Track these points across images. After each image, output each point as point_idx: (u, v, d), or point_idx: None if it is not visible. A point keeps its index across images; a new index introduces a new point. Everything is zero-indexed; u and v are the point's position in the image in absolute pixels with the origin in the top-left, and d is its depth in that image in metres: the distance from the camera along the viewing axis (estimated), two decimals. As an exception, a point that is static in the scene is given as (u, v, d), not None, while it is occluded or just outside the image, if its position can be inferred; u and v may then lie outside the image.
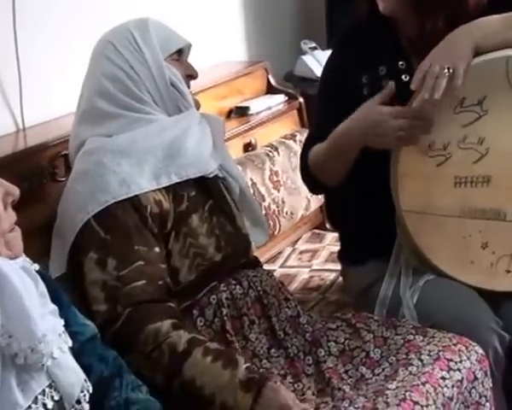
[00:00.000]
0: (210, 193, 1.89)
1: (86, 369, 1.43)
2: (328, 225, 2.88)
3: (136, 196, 1.75)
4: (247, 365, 1.62)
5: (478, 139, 1.86)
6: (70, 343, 1.35)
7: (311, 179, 2.09)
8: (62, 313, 1.38)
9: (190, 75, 1.95)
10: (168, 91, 1.87)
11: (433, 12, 1.92)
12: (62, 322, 1.34)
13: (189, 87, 1.95)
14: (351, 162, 1.96)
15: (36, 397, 1.26)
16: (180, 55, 1.93)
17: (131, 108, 1.84)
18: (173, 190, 1.81)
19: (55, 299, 1.38)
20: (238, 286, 1.84)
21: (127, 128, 1.83)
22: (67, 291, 1.66)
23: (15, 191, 1.29)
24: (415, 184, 1.92)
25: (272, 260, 2.65)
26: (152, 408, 1.48)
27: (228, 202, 1.94)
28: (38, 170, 2.03)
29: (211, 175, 1.89)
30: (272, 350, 1.81)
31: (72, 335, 1.41)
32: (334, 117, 1.98)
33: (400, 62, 2.00)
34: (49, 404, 1.27)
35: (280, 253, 2.71)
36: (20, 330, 1.22)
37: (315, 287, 2.45)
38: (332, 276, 2.48)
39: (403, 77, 1.97)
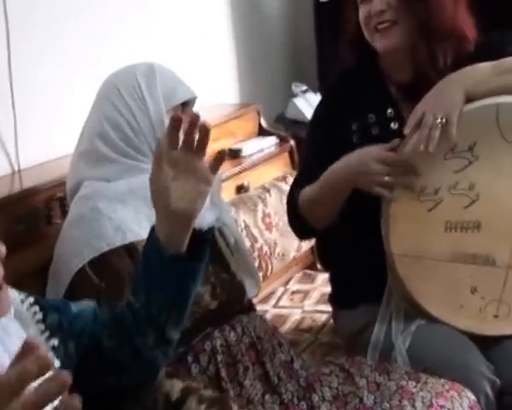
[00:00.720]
0: None
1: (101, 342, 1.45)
2: (319, 266, 2.90)
3: (131, 242, 1.76)
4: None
5: (469, 185, 1.89)
6: (58, 364, 1.32)
7: (300, 223, 2.09)
8: (67, 320, 1.41)
9: None
10: None
11: (443, 38, 1.95)
12: (57, 364, 1.33)
13: None
14: (340, 204, 1.98)
15: None
16: (185, 106, 1.92)
17: (129, 155, 1.85)
18: None
19: (57, 312, 1.40)
20: (232, 332, 1.85)
21: (124, 175, 1.84)
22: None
23: (1, 248, 1.28)
24: (406, 228, 1.94)
25: (265, 300, 2.67)
26: None
27: (223, 250, 1.95)
28: (34, 212, 2.04)
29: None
30: (267, 396, 1.81)
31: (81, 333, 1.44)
32: (322, 162, 2.00)
33: (389, 110, 2.03)
34: None
35: (272, 293, 2.73)
36: None
37: (307, 328, 2.46)
38: (323, 317, 2.49)
39: (391, 124, 2.00)
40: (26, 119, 2.28)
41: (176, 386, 1.65)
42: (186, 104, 1.92)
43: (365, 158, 1.90)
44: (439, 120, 1.80)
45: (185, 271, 1.44)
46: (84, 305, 1.51)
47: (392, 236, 1.95)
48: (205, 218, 1.88)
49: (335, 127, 2.06)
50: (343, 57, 2.15)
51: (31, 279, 1.88)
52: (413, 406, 1.77)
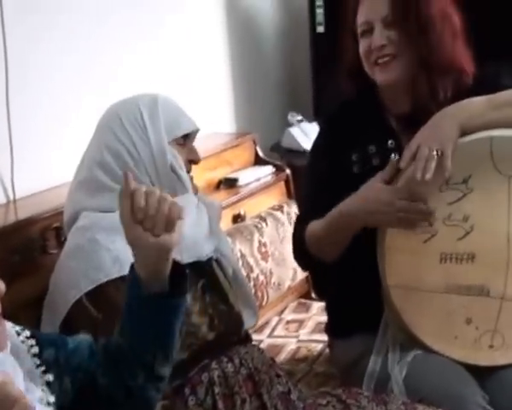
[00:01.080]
0: (203, 273, 1.91)
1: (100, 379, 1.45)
2: (313, 295, 2.90)
3: None
4: None
5: (463, 217, 1.89)
6: (52, 399, 1.33)
7: (307, 259, 2.09)
8: (64, 355, 1.41)
9: (192, 160, 1.96)
10: (167, 174, 1.87)
11: (443, 72, 1.97)
12: (52, 400, 1.34)
13: (189, 171, 1.95)
14: (349, 240, 1.98)
15: None
16: (186, 138, 1.94)
17: None
18: None
19: (54, 347, 1.40)
20: (230, 364, 1.85)
21: None
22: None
23: (1, 286, 1.28)
24: (401, 260, 1.94)
25: (260, 329, 2.67)
26: None
27: (220, 281, 1.95)
28: (29, 243, 2.04)
29: (204, 258, 1.91)
30: (263, 428, 1.81)
31: (78, 367, 1.44)
32: (325, 194, 2.01)
33: (390, 141, 2.04)
34: None
35: (267, 323, 2.73)
36: None
37: (302, 358, 2.47)
38: (319, 347, 2.50)
39: (392, 156, 2.01)
40: (23, 147, 2.29)
41: None
42: (187, 136, 1.94)
43: (385, 195, 1.87)
44: (434, 153, 1.82)
45: (166, 307, 1.42)
46: (81, 339, 1.51)
47: (387, 268, 1.96)
48: (203, 248, 1.90)
49: (336, 158, 2.07)
50: (342, 88, 2.17)
51: (26, 310, 1.88)
52: (410, 438, 1.76)
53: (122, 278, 1.73)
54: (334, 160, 2.07)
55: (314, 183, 2.14)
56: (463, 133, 1.87)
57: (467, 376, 1.95)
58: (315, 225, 2.03)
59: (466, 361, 1.97)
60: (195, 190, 1.98)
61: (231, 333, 1.92)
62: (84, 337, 1.52)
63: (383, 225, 1.92)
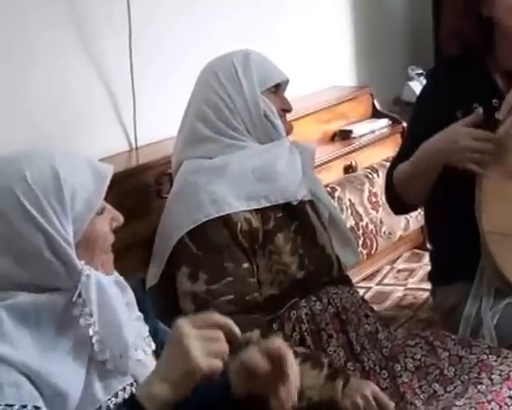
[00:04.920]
0: (296, 215, 2.00)
1: None
2: (428, 246, 2.93)
3: (227, 214, 1.89)
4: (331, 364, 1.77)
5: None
6: (153, 347, 1.45)
7: (395, 198, 2.15)
8: (149, 324, 1.50)
9: (285, 109, 2.07)
10: (261, 122, 2.00)
11: None
12: (147, 327, 1.46)
13: (284, 119, 2.06)
14: (432, 180, 2.03)
15: (116, 393, 1.37)
16: (277, 88, 2.05)
17: (226, 134, 1.98)
18: (261, 210, 1.95)
19: (141, 311, 1.50)
20: (318, 303, 1.94)
21: (221, 152, 1.97)
22: (159, 301, 1.85)
23: (120, 218, 1.41)
24: (498, 206, 1.97)
25: (370, 277, 2.74)
26: None
27: (313, 223, 2.04)
28: (145, 187, 2.21)
29: (296, 202, 2.00)
30: (349, 364, 1.89)
31: (160, 345, 1.52)
32: (421, 142, 2.05)
33: (494, 100, 2.04)
34: None
35: (378, 271, 2.79)
36: (114, 339, 1.33)
37: (407, 305, 2.52)
38: (425, 295, 2.53)
39: (496, 114, 2.01)
40: (145, 100, 2.45)
41: None
42: (278, 87, 2.05)
43: (457, 135, 1.94)
44: None
45: None
46: None
47: (483, 213, 1.98)
48: (295, 191, 2.00)
49: (439, 111, 2.09)
50: (444, 45, 2.19)
51: (139, 249, 2.06)
52: (490, 378, 1.80)
53: (221, 218, 1.88)
54: (438, 112, 2.09)
55: (414, 132, 2.18)
56: None
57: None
58: (401, 167, 2.09)
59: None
60: (289, 130, 2.09)
61: (322, 273, 2.01)
62: None
63: (456, 163, 1.94)
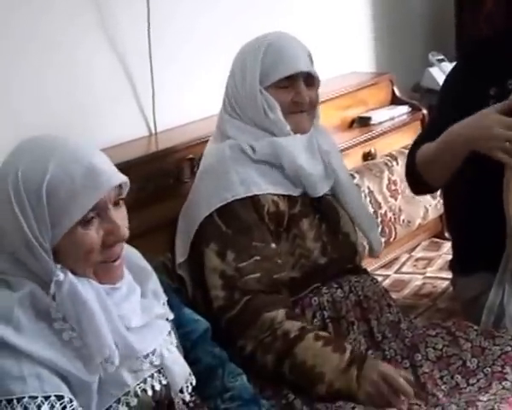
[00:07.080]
0: (320, 206, 2.01)
1: (196, 361, 1.61)
2: (447, 235, 2.91)
3: (255, 195, 1.90)
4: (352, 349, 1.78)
5: None
6: (175, 342, 1.51)
7: (415, 177, 2.11)
8: (175, 316, 1.55)
9: (296, 102, 1.99)
10: (260, 116, 1.98)
11: None
12: (171, 317, 1.51)
13: (301, 111, 2.00)
14: (457, 164, 1.98)
15: (145, 379, 1.41)
16: (293, 81, 1.98)
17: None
18: (288, 196, 1.96)
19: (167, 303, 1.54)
20: (339, 290, 1.94)
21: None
22: (188, 276, 1.94)
23: (118, 233, 1.39)
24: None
25: (388, 265, 2.73)
26: (245, 393, 1.62)
27: (338, 212, 2.04)
28: (165, 172, 2.21)
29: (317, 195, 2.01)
30: (370, 352, 1.89)
31: (185, 334, 1.60)
32: (449, 123, 2.00)
33: None
34: (157, 386, 1.43)
35: (396, 259, 2.78)
36: (94, 343, 1.33)
37: (426, 294, 2.51)
38: (444, 284, 2.52)
39: None
40: (164, 86, 2.45)
41: (295, 325, 1.79)
42: (292, 79, 1.98)
43: (487, 122, 1.89)
44: None
45: None
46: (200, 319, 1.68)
47: (510, 200, 1.95)
48: (317, 186, 1.99)
49: (470, 90, 2.06)
50: (479, 29, 2.17)
51: (160, 233, 2.06)
52: (514, 372, 1.79)
53: (249, 198, 1.90)
54: (468, 92, 2.06)
55: (442, 113, 2.14)
56: None
57: None
58: (425, 148, 2.05)
59: None
60: (301, 129, 2.02)
61: (343, 261, 2.01)
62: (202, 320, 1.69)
63: (484, 151, 1.90)
